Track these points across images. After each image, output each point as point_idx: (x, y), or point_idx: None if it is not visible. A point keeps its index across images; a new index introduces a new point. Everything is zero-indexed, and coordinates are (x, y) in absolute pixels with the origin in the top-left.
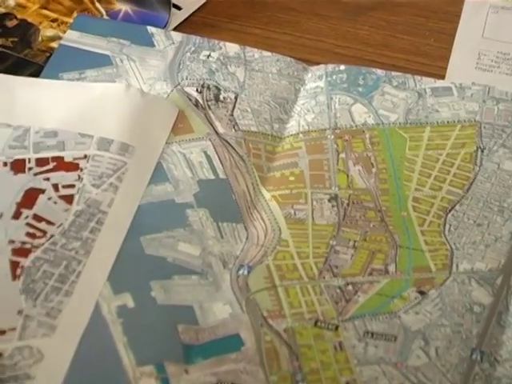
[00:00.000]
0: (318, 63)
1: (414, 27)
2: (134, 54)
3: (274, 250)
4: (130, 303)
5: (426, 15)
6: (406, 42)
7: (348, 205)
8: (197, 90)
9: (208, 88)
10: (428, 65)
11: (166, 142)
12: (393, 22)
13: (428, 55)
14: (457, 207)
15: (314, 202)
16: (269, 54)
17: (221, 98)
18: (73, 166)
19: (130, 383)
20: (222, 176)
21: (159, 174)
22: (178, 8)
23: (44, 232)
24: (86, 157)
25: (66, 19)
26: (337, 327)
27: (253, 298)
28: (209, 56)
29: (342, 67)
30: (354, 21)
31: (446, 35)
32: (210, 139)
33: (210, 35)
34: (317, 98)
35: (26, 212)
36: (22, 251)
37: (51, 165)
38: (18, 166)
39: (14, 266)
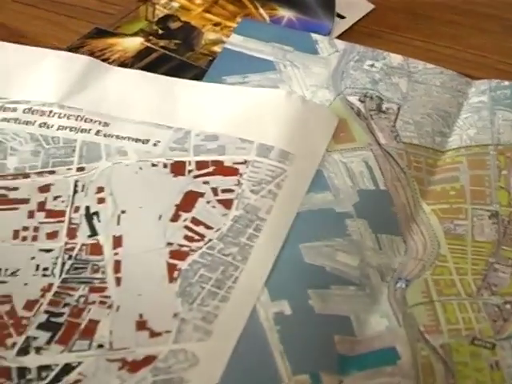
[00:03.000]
0: (479, 78)
1: None
2: (298, 60)
3: (433, 265)
4: (287, 310)
5: None
6: None
7: (509, 223)
8: (359, 100)
9: (371, 98)
10: None
11: (328, 151)
12: None
13: None
14: None
15: (475, 219)
16: (432, 66)
17: (383, 108)
18: (232, 171)
19: None
20: (382, 187)
21: (320, 183)
22: (341, 17)
23: (202, 236)
24: (245, 162)
25: (228, 23)
26: (494, 346)
27: (410, 312)
28: (372, 65)
29: (507, 83)
30: None
31: None
32: (371, 149)
33: (372, 45)
34: (480, 113)
35: (184, 215)
36: (179, 254)
37: (211, 168)
38: (178, 168)
39: (171, 268)
